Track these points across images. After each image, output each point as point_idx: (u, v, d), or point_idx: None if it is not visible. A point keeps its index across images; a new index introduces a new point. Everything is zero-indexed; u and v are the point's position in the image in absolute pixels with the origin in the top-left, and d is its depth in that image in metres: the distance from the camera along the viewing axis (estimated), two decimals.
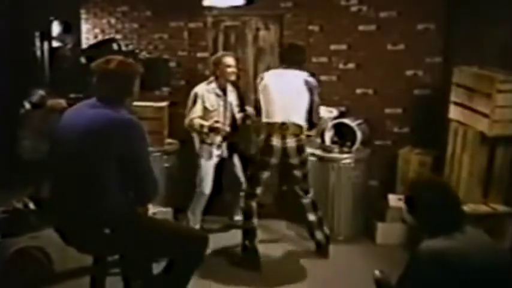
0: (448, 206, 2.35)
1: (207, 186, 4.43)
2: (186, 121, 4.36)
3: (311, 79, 4.03)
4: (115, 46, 4.95)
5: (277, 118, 3.94)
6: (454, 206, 2.37)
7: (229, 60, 4.35)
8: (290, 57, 4.07)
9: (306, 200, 4.19)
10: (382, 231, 4.44)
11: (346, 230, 4.59)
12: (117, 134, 2.58)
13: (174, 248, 2.88)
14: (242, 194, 4.12)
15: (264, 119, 4.01)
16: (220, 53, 4.65)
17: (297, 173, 4.08)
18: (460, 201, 2.45)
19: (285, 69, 4.05)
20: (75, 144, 2.61)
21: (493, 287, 2.19)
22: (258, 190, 4.07)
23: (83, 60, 4.55)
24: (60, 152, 2.73)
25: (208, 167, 4.42)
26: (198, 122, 4.26)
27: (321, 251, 4.25)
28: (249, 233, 4.07)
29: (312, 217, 4.19)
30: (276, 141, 3.93)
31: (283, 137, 3.93)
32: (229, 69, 4.33)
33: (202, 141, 4.43)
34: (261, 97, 4.03)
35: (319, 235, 4.23)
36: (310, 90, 4.00)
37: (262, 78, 4.05)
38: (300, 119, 3.97)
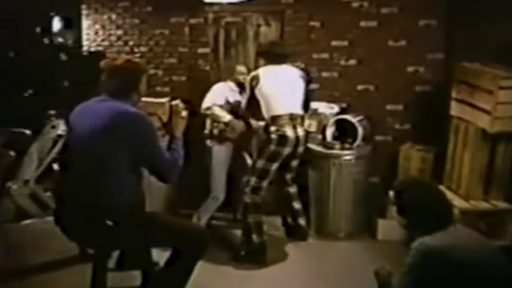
0: (437, 202, 2.39)
1: (222, 192, 4.49)
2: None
3: (303, 72, 4.32)
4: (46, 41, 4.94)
5: (285, 110, 4.07)
6: (443, 203, 2.40)
7: (242, 69, 4.54)
8: (278, 53, 4.25)
9: (293, 189, 4.45)
10: (383, 228, 4.44)
11: (347, 227, 4.59)
12: (124, 125, 2.70)
13: (176, 243, 2.92)
14: (247, 189, 4.10)
15: (270, 113, 4.08)
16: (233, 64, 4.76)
17: (295, 162, 4.32)
18: (448, 197, 2.49)
19: (276, 65, 4.17)
20: (85, 137, 2.73)
21: (488, 282, 2.20)
22: (265, 183, 4.14)
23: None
24: (71, 146, 2.86)
25: (221, 172, 4.49)
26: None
27: (302, 235, 4.49)
28: (256, 228, 4.11)
29: (297, 205, 4.46)
30: (289, 132, 4.05)
31: (295, 127, 4.08)
32: (240, 77, 4.48)
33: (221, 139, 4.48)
34: (260, 94, 4.10)
35: (302, 221, 4.48)
36: (305, 82, 4.27)
37: (257, 78, 4.09)
38: (300, 109, 4.20)
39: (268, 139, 4.08)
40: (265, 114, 4.12)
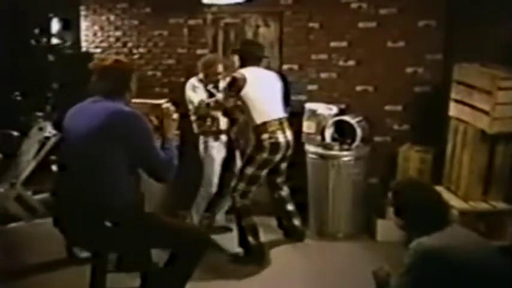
0: (434, 203, 2.39)
1: (213, 186, 4.50)
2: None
3: (277, 74, 4.34)
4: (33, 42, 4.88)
5: (274, 115, 4.03)
6: (439, 203, 2.41)
7: (220, 68, 4.44)
8: (257, 55, 4.19)
9: (285, 192, 4.40)
10: (382, 228, 4.43)
11: (346, 228, 4.59)
12: (120, 125, 2.71)
13: (175, 244, 2.92)
14: (235, 194, 4.07)
15: (260, 119, 3.98)
16: (212, 58, 4.65)
17: (283, 165, 4.26)
18: (444, 198, 2.49)
19: (255, 66, 4.11)
20: (81, 138, 2.73)
21: (487, 282, 2.20)
22: (254, 188, 4.11)
23: None
24: (67, 147, 2.86)
25: (214, 166, 4.48)
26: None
27: (299, 235, 4.46)
28: (251, 231, 4.09)
29: (291, 207, 4.43)
30: (281, 138, 4.00)
31: (284, 132, 4.04)
32: (218, 76, 4.42)
33: (207, 134, 4.47)
34: (246, 97, 3.98)
35: (296, 221, 4.45)
36: (282, 83, 4.26)
37: (245, 80, 3.96)
38: (284, 112, 4.16)
39: (259, 147, 3.97)
40: (255, 119, 3.99)
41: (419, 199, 2.40)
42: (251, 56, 4.12)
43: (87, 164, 2.72)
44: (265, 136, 3.96)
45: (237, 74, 4.00)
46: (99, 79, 2.85)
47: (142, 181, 2.95)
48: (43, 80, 4.72)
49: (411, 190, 2.48)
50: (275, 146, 3.98)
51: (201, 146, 4.53)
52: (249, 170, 4.02)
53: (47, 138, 3.86)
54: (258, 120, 3.99)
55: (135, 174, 2.84)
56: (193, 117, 4.48)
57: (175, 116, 3.02)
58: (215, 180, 4.50)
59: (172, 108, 3.03)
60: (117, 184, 2.72)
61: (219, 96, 4.23)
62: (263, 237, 4.27)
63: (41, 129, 3.88)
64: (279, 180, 4.35)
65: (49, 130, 3.88)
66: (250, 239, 4.09)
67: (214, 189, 4.51)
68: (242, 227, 4.11)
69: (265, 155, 3.98)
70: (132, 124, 2.72)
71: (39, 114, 4.09)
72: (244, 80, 3.95)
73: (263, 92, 4.04)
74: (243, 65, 4.09)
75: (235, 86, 3.97)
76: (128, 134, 2.70)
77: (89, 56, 5.14)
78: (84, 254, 3.85)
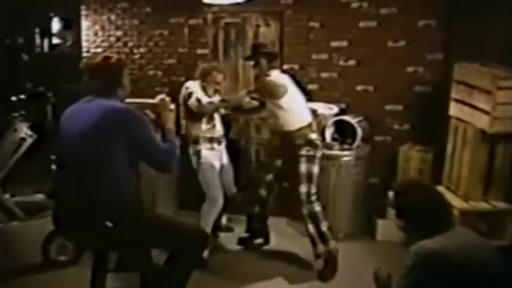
0: (436, 205, 2.37)
1: (220, 195, 4.16)
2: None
3: None
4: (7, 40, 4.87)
5: (310, 116, 4.01)
6: (442, 205, 2.38)
7: (219, 77, 4.20)
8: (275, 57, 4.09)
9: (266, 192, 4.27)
10: (382, 228, 4.44)
11: (347, 227, 4.60)
12: (116, 122, 2.71)
13: (175, 244, 2.92)
14: (313, 198, 3.93)
15: (305, 121, 3.93)
16: (210, 65, 4.38)
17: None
18: (447, 200, 2.47)
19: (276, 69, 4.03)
20: (79, 137, 2.73)
21: (488, 283, 2.20)
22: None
23: None
24: (65, 147, 2.85)
25: (213, 176, 4.16)
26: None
27: (265, 238, 4.42)
28: (330, 233, 3.96)
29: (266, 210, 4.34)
30: (316, 137, 3.97)
31: (314, 132, 4.00)
32: (217, 86, 4.19)
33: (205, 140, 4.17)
34: (287, 101, 3.87)
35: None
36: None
37: (285, 85, 3.89)
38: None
39: (314, 145, 3.91)
40: (295, 123, 3.90)
41: (421, 201, 2.37)
42: (275, 59, 4.02)
43: (86, 163, 2.72)
44: (314, 136, 3.94)
45: (272, 80, 3.88)
46: (91, 78, 2.84)
47: (142, 180, 2.95)
48: (18, 80, 4.69)
49: (413, 191, 2.45)
50: (321, 144, 4.02)
51: (194, 156, 4.16)
52: (316, 169, 3.93)
53: (23, 139, 3.82)
54: (301, 122, 3.92)
55: (135, 172, 2.83)
56: (184, 121, 4.20)
57: (172, 106, 3.04)
58: (218, 187, 4.17)
59: (167, 99, 3.04)
60: (116, 182, 2.72)
61: (242, 94, 4.16)
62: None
63: (15, 130, 3.84)
64: (269, 177, 4.22)
65: (24, 131, 3.84)
66: (332, 242, 3.93)
67: (221, 196, 4.16)
68: (324, 232, 3.92)
69: (320, 152, 3.96)
70: (128, 120, 2.72)
71: (15, 115, 4.03)
72: (281, 86, 3.84)
73: (296, 94, 3.98)
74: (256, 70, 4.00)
75: (264, 93, 3.91)
76: (125, 130, 2.70)
77: (67, 55, 5.10)
78: (63, 258, 3.87)
